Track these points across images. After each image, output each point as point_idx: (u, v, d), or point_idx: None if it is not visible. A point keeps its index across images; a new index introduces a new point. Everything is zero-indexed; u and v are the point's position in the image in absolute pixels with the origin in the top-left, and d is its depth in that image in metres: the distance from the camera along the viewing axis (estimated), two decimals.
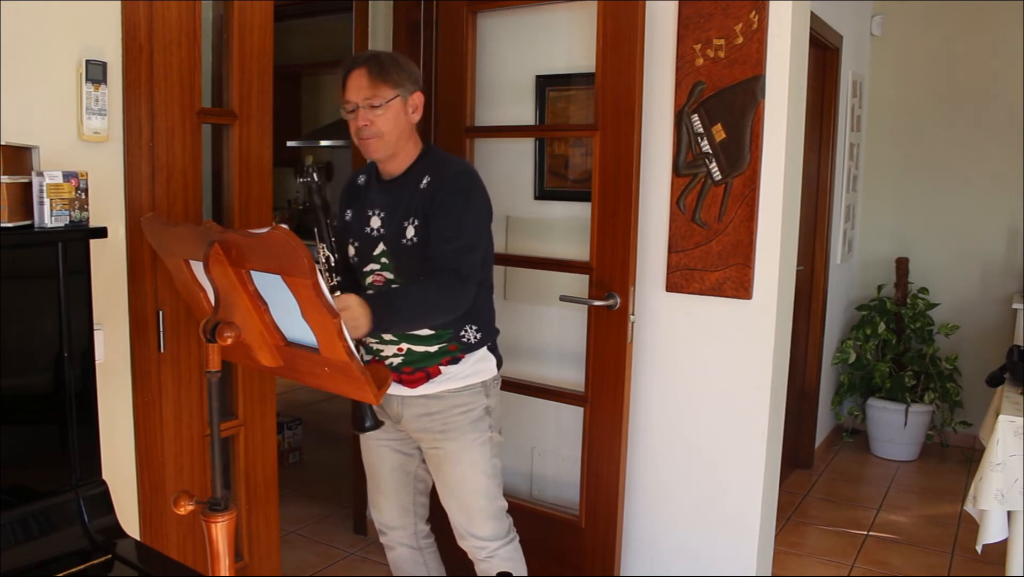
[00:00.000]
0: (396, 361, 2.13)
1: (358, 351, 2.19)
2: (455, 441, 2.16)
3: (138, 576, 1.64)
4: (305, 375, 1.59)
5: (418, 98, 2.12)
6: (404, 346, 2.12)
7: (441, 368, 2.13)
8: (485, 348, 2.20)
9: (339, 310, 1.87)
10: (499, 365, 2.24)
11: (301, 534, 3.51)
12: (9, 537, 1.59)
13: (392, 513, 2.33)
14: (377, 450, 2.29)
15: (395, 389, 2.15)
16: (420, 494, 2.34)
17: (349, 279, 2.15)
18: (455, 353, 2.13)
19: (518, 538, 2.29)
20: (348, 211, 2.22)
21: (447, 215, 2.03)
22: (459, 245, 2.02)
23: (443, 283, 1.97)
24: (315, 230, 2.03)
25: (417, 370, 2.12)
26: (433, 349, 2.12)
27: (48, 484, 1.70)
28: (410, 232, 2.07)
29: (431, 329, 2.10)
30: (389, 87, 2.04)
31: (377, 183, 2.17)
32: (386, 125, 2.04)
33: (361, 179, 2.23)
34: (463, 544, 2.25)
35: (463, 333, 2.14)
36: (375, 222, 2.13)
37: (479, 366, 2.18)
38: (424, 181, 2.09)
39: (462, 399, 2.16)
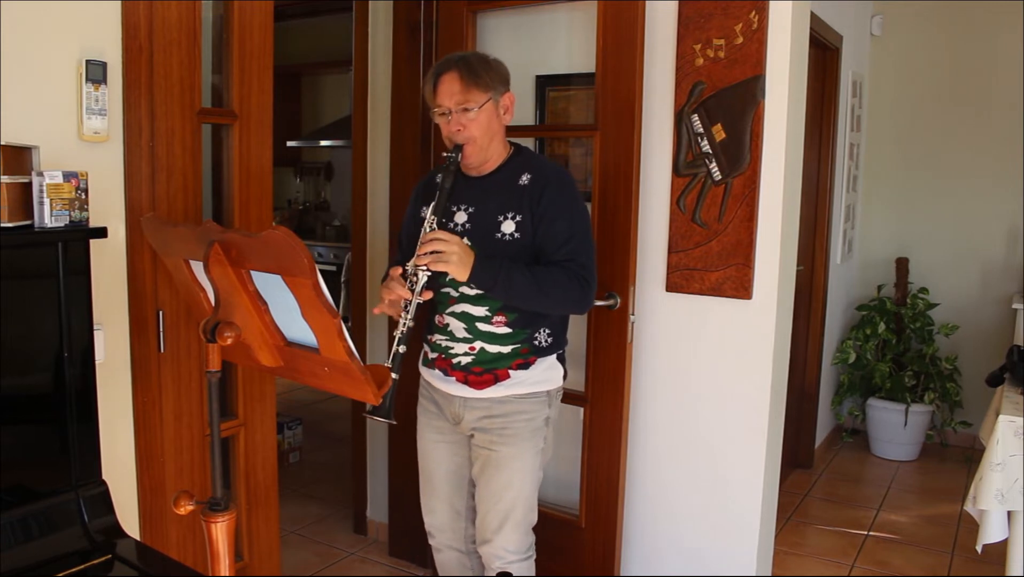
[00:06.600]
0: (466, 360, 2.11)
1: (424, 347, 2.21)
2: (511, 447, 2.14)
3: (138, 576, 1.64)
4: (305, 375, 1.59)
5: (509, 99, 2.10)
6: (477, 345, 2.10)
7: (511, 372, 2.11)
8: (554, 356, 2.18)
9: (436, 239, 1.93)
10: (564, 376, 2.23)
11: (301, 534, 3.51)
12: (9, 537, 1.59)
13: (444, 516, 2.30)
14: (435, 453, 2.27)
15: (459, 390, 2.14)
16: (471, 498, 2.31)
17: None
18: (527, 356, 2.12)
19: (535, 556, 2.28)
20: (425, 208, 2.15)
21: (559, 215, 2.04)
22: (577, 243, 2.04)
23: (571, 282, 2.00)
24: (432, 205, 2.04)
25: (486, 372, 2.11)
26: (507, 349, 2.10)
27: (48, 484, 1.70)
28: (508, 227, 2.05)
29: (508, 328, 2.08)
30: (481, 91, 2.02)
31: (462, 179, 2.13)
32: (479, 129, 2.03)
33: (439, 177, 2.15)
34: (482, 549, 2.23)
35: (536, 336, 2.12)
36: (460, 217, 2.11)
37: (547, 374, 2.17)
38: (524, 178, 2.08)
39: (527, 406, 2.14)
